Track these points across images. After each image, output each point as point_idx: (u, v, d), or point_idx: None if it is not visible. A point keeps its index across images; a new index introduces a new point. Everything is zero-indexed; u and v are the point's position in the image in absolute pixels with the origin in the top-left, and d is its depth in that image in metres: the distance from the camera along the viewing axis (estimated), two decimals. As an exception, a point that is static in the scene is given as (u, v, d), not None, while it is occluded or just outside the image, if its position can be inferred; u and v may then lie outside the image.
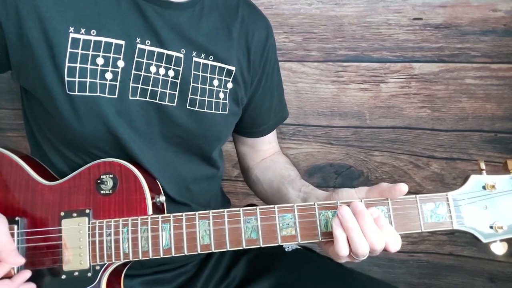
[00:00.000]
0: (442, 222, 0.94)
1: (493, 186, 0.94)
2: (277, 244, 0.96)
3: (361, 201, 0.94)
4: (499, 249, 0.94)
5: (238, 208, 0.97)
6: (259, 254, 1.25)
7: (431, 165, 1.69)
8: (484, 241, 0.94)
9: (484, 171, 0.96)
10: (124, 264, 1.02)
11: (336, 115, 1.69)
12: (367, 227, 0.90)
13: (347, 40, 1.59)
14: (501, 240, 0.94)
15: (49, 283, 0.99)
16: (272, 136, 1.40)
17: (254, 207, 0.97)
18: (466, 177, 0.96)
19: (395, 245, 0.92)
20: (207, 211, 0.97)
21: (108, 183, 1.00)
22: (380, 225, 0.91)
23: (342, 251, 0.91)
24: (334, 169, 1.76)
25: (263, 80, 1.27)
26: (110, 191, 1.01)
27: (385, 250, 0.93)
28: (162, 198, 1.05)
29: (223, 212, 0.97)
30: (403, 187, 0.94)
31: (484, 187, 0.95)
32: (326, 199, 1.07)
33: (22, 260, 0.96)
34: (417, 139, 1.67)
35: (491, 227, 0.93)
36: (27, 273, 0.96)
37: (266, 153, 1.40)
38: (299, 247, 1.29)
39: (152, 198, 1.01)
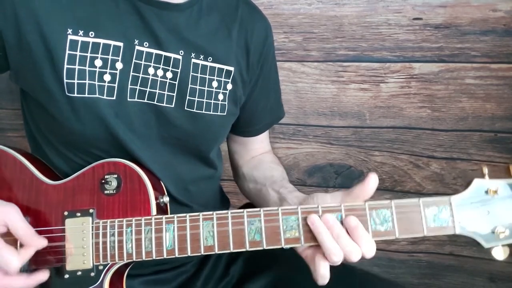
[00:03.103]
0: (445, 226, 0.92)
1: (495, 191, 0.92)
2: (280, 247, 0.95)
3: (365, 204, 0.94)
4: (500, 254, 0.92)
5: (242, 210, 0.96)
6: (257, 252, 1.25)
7: (431, 165, 1.69)
8: (486, 246, 0.92)
9: (486, 176, 0.94)
10: (127, 264, 1.01)
11: (336, 115, 1.69)
12: (341, 240, 0.90)
13: (347, 40, 1.59)
14: (503, 245, 0.93)
15: (52, 283, 0.98)
16: (263, 136, 1.40)
17: (258, 209, 0.97)
18: (468, 182, 0.95)
19: (369, 254, 0.92)
20: (211, 212, 0.96)
21: (112, 183, 1.00)
22: (359, 236, 0.91)
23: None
24: (334, 169, 1.76)
25: (261, 79, 1.26)
26: (114, 191, 1.00)
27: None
28: (166, 199, 1.05)
29: (227, 213, 0.96)
30: (373, 178, 0.93)
31: (486, 192, 0.93)
32: (301, 202, 1.05)
33: (45, 241, 0.96)
34: (417, 139, 1.67)
35: (493, 232, 0.92)
36: (46, 274, 0.97)
37: (256, 151, 1.40)
38: (298, 244, 1.29)
39: (156, 198, 1.01)
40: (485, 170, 0.95)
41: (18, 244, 0.96)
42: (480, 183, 0.94)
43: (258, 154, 1.39)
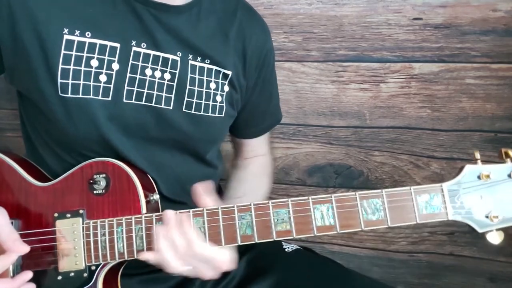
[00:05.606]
0: (437, 213, 0.94)
1: (488, 176, 0.93)
2: (272, 240, 0.96)
3: (356, 194, 0.95)
4: (495, 238, 0.93)
5: (232, 205, 0.97)
6: (259, 254, 1.25)
7: (431, 165, 1.68)
8: (480, 231, 0.94)
9: (479, 161, 0.96)
10: (120, 263, 1.02)
11: (336, 115, 1.69)
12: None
13: (347, 40, 1.59)
14: (497, 229, 0.94)
15: (45, 284, 0.99)
16: (256, 140, 1.41)
17: (248, 203, 0.97)
18: (461, 168, 0.96)
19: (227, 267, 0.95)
20: (201, 208, 0.97)
21: (101, 182, 1.01)
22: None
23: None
24: (334, 169, 1.76)
25: (260, 83, 1.27)
26: (103, 190, 1.01)
27: None
28: (156, 197, 1.05)
29: (217, 209, 0.97)
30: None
31: (479, 177, 0.94)
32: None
33: (27, 248, 0.97)
34: (417, 139, 1.66)
35: (487, 217, 0.93)
36: (29, 274, 0.97)
37: (248, 154, 1.41)
38: (299, 247, 1.29)
39: (146, 196, 1.01)
40: (477, 155, 0.96)
41: None
42: (472, 168, 0.96)
43: (250, 157, 1.40)
